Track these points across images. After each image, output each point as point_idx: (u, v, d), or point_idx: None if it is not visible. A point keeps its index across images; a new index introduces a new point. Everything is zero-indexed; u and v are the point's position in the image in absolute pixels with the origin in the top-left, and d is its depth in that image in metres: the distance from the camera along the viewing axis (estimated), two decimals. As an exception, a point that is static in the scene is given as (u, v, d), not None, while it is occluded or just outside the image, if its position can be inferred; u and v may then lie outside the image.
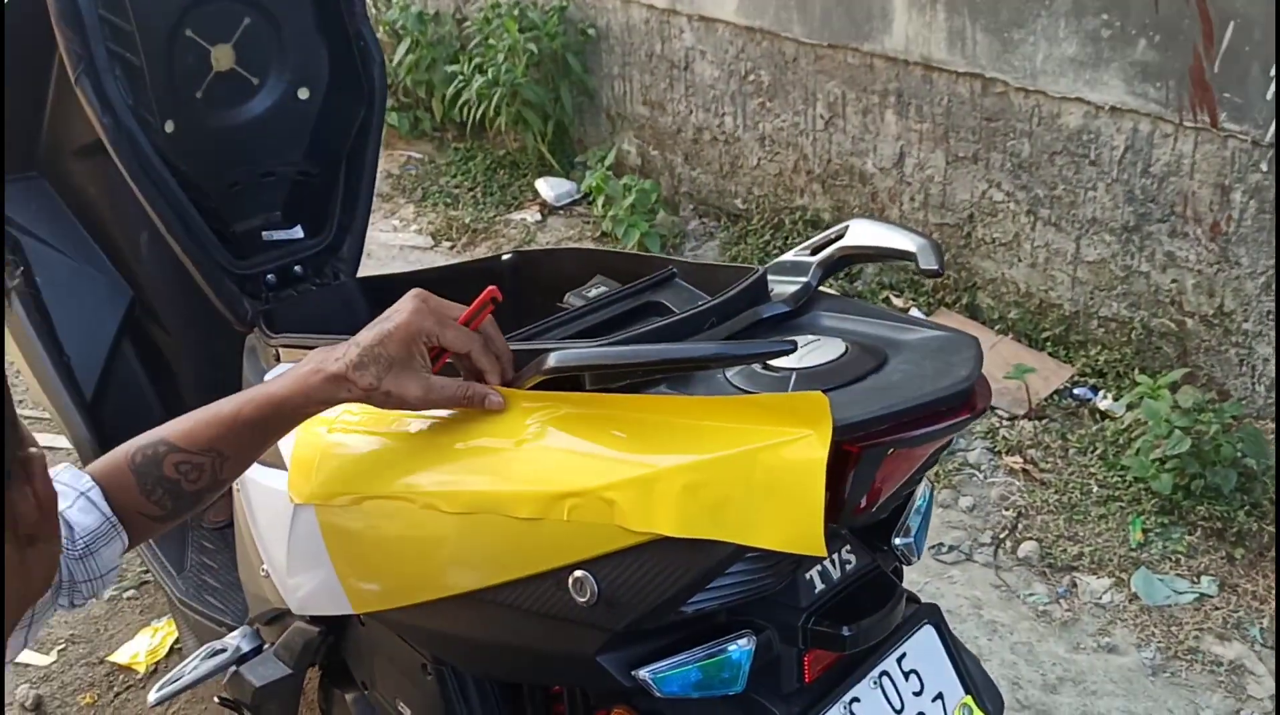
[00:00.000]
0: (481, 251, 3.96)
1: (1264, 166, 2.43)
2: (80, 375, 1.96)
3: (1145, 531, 2.42)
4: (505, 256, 1.66)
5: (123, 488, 0.98)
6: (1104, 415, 2.75)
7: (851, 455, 0.93)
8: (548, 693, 1.27)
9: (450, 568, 1.11)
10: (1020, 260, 3.02)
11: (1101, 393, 2.80)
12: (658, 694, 1.03)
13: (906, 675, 1.18)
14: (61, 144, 1.90)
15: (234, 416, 0.98)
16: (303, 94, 1.72)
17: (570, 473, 0.98)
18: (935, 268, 1.11)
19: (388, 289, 1.66)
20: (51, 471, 0.94)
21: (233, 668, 1.48)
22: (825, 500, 0.87)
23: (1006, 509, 2.55)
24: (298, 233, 1.76)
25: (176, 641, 2.23)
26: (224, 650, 1.51)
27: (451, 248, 4.03)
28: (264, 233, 1.75)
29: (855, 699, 1.14)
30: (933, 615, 1.23)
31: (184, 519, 1.04)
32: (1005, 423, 2.78)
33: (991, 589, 2.34)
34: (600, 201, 3.80)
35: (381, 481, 1.12)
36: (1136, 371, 2.72)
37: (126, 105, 1.48)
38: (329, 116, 1.74)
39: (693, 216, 3.90)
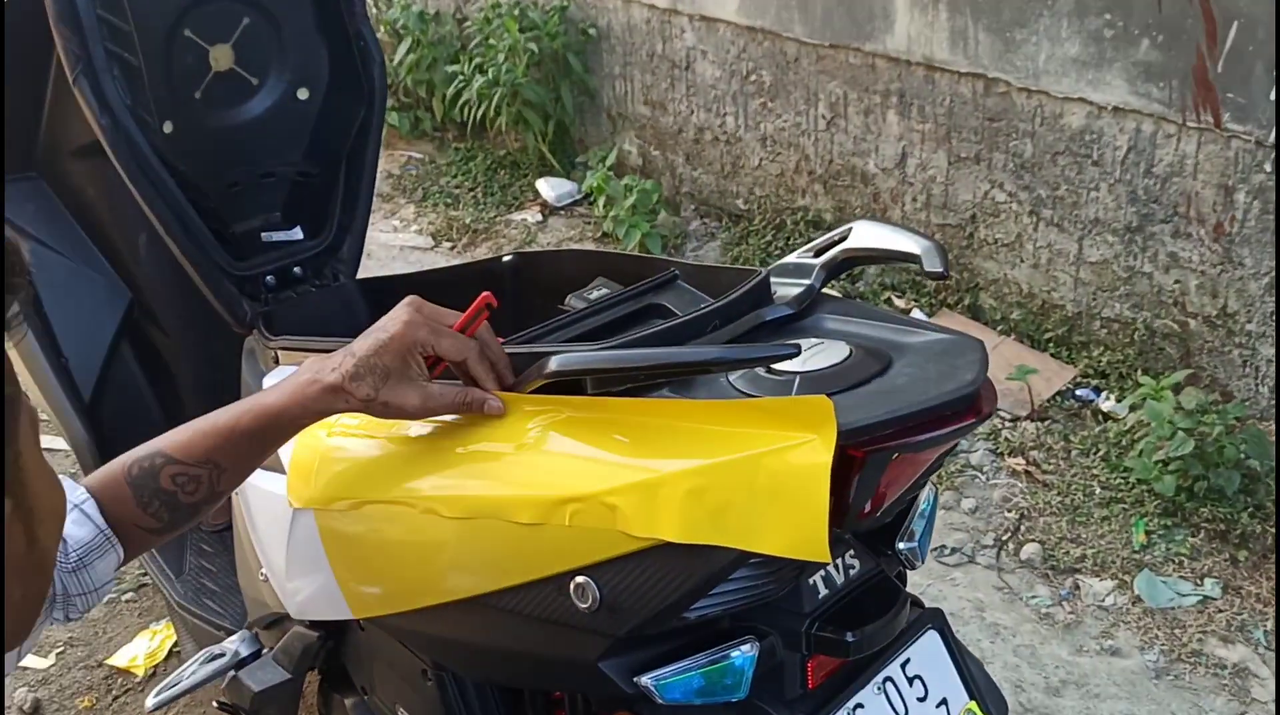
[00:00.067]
0: (482, 252, 3.95)
1: (1267, 167, 2.42)
2: (78, 377, 1.95)
3: (1148, 533, 2.41)
4: (506, 258, 1.65)
5: (119, 500, 0.97)
6: (1107, 416, 2.74)
7: (856, 460, 0.92)
8: (549, 699, 1.27)
9: (450, 573, 1.10)
10: (1023, 261, 3.01)
11: (1104, 394, 2.79)
12: (660, 700, 1.02)
13: (911, 681, 1.18)
14: (59, 144, 1.89)
15: (230, 428, 0.98)
16: (302, 94, 1.71)
17: (572, 477, 0.97)
18: (940, 271, 1.10)
19: (388, 290, 1.66)
20: None
21: (231, 672, 1.47)
22: (829, 505, 0.86)
23: (1009, 511, 2.54)
24: (297, 234, 1.75)
25: (175, 645, 2.23)
26: (223, 654, 1.50)
27: (452, 248, 4.02)
28: (263, 234, 1.74)
29: (859, 705, 1.13)
30: (937, 620, 1.22)
31: (182, 531, 1.03)
32: (1008, 424, 2.77)
33: (994, 591, 2.33)
34: (601, 202, 3.79)
35: (381, 486, 1.11)
36: (1139, 373, 2.72)
37: (125, 105, 1.47)
38: (329, 117, 1.73)
39: (694, 217, 3.89)
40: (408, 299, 1.02)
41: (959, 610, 2.27)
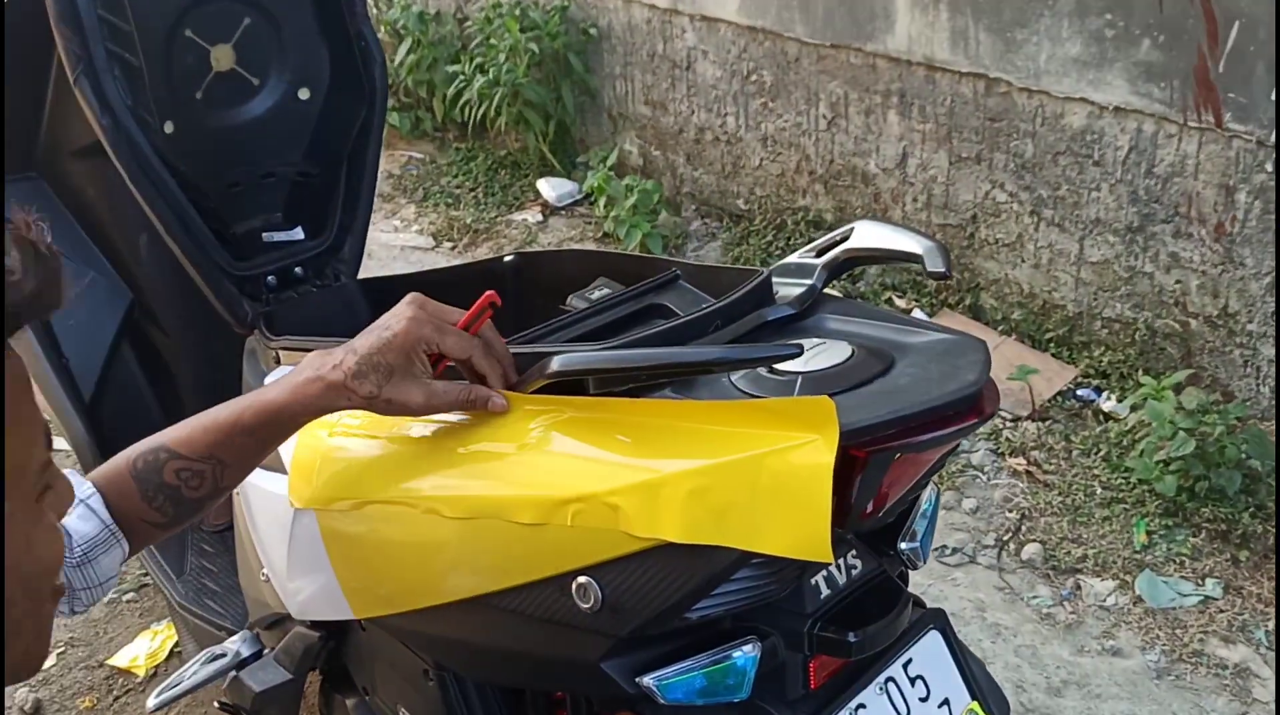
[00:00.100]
0: (483, 252, 3.95)
1: (1269, 167, 2.42)
2: (79, 377, 1.95)
3: (1149, 533, 2.41)
4: (507, 258, 1.65)
5: (124, 494, 0.97)
6: (1108, 417, 2.74)
7: (858, 460, 0.92)
8: (550, 699, 1.26)
9: (452, 573, 1.09)
10: (1023, 261, 3.01)
11: (1105, 394, 2.79)
12: (662, 701, 1.02)
13: (913, 681, 1.17)
14: (60, 145, 1.89)
15: (232, 423, 0.97)
16: (303, 94, 1.71)
17: (574, 477, 0.97)
18: (943, 271, 1.10)
19: (389, 291, 1.65)
20: None
21: (232, 673, 1.47)
22: (831, 505, 0.86)
23: (1010, 511, 2.54)
24: (298, 234, 1.75)
25: (176, 645, 2.23)
26: (224, 655, 1.50)
27: (453, 248, 4.02)
28: (264, 234, 1.74)
29: (861, 705, 1.13)
30: (939, 620, 1.22)
31: (186, 526, 1.03)
32: (1009, 424, 2.77)
33: (995, 591, 2.33)
34: (602, 202, 3.79)
35: (383, 486, 1.11)
36: (1140, 373, 2.71)
37: (125, 106, 1.47)
38: (330, 117, 1.73)
39: (695, 217, 3.89)
40: (410, 296, 1.02)
41: (960, 610, 2.27)
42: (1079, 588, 2.32)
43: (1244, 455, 2.38)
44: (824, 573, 1.11)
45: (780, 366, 1.02)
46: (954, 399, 0.93)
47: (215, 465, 0.98)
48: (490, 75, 4.02)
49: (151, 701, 1.44)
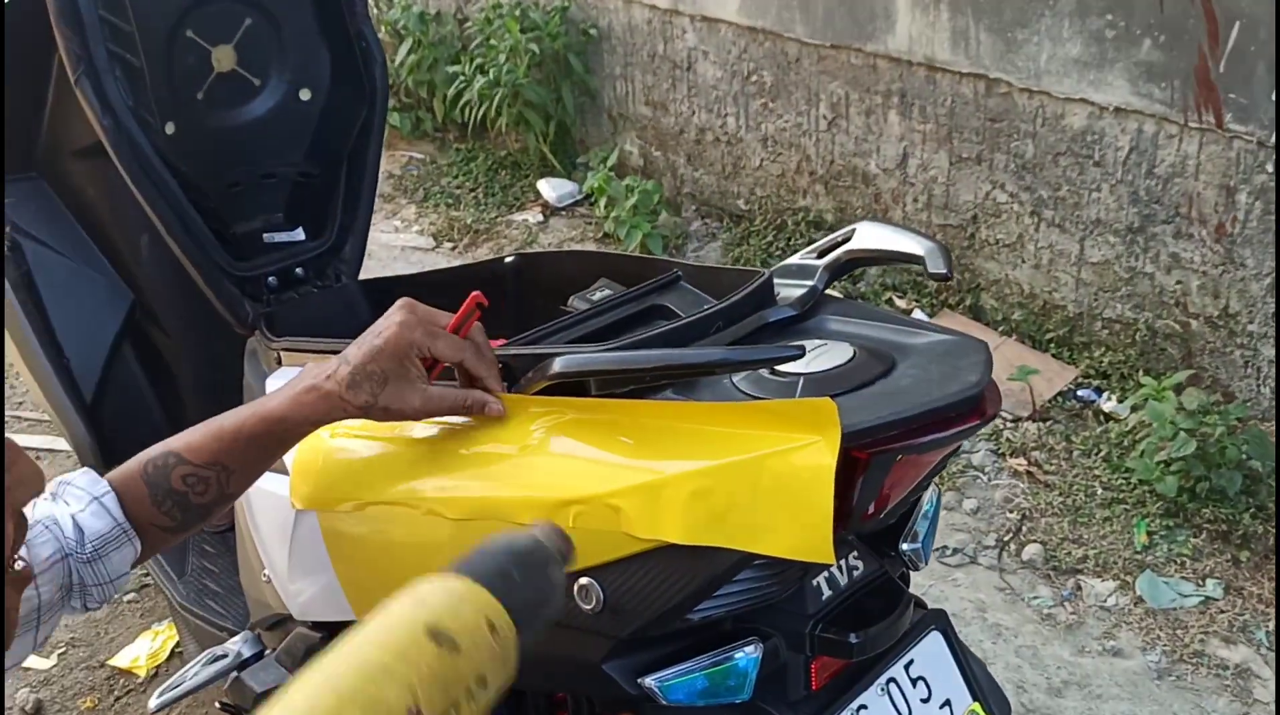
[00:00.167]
0: (483, 253, 3.95)
1: (1269, 167, 2.42)
2: (80, 377, 1.95)
3: (1150, 534, 2.41)
4: (508, 259, 1.64)
5: (137, 498, 0.98)
6: (1108, 417, 2.74)
7: (860, 461, 0.92)
8: (551, 700, 1.26)
9: (453, 574, 1.09)
10: (1024, 261, 3.01)
11: (1106, 394, 2.79)
12: (664, 702, 1.02)
13: (914, 682, 1.17)
14: (61, 145, 1.89)
15: (236, 431, 0.98)
16: (304, 95, 1.71)
17: (575, 479, 0.97)
18: (944, 272, 1.10)
19: (390, 291, 1.65)
20: (70, 476, 0.96)
21: (234, 673, 1.47)
22: (833, 507, 0.86)
23: (1010, 511, 2.54)
24: (299, 234, 1.75)
25: (177, 646, 2.23)
26: (225, 655, 1.50)
27: (453, 249, 4.02)
28: (265, 234, 1.74)
29: (863, 706, 1.13)
30: (940, 621, 1.22)
31: (196, 531, 1.03)
32: (1009, 424, 2.77)
33: (996, 592, 2.33)
34: (602, 202, 3.79)
35: (384, 487, 1.11)
36: (1141, 373, 2.71)
37: (127, 106, 1.47)
38: (330, 117, 1.73)
39: (695, 217, 3.89)
40: (400, 301, 1.01)
41: (960, 611, 2.27)
42: (1080, 588, 2.32)
43: (1245, 456, 2.38)
44: (825, 574, 1.11)
45: (782, 368, 1.02)
46: (956, 400, 0.93)
47: (220, 472, 0.99)
48: (490, 76, 4.02)
49: (153, 702, 1.45)
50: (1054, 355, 2.94)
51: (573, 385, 1.03)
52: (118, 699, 2.15)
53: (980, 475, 2.65)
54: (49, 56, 1.73)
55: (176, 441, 0.99)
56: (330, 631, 1.38)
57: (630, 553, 0.95)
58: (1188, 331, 2.71)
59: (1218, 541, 2.38)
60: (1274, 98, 2.35)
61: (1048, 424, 2.75)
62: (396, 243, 4.07)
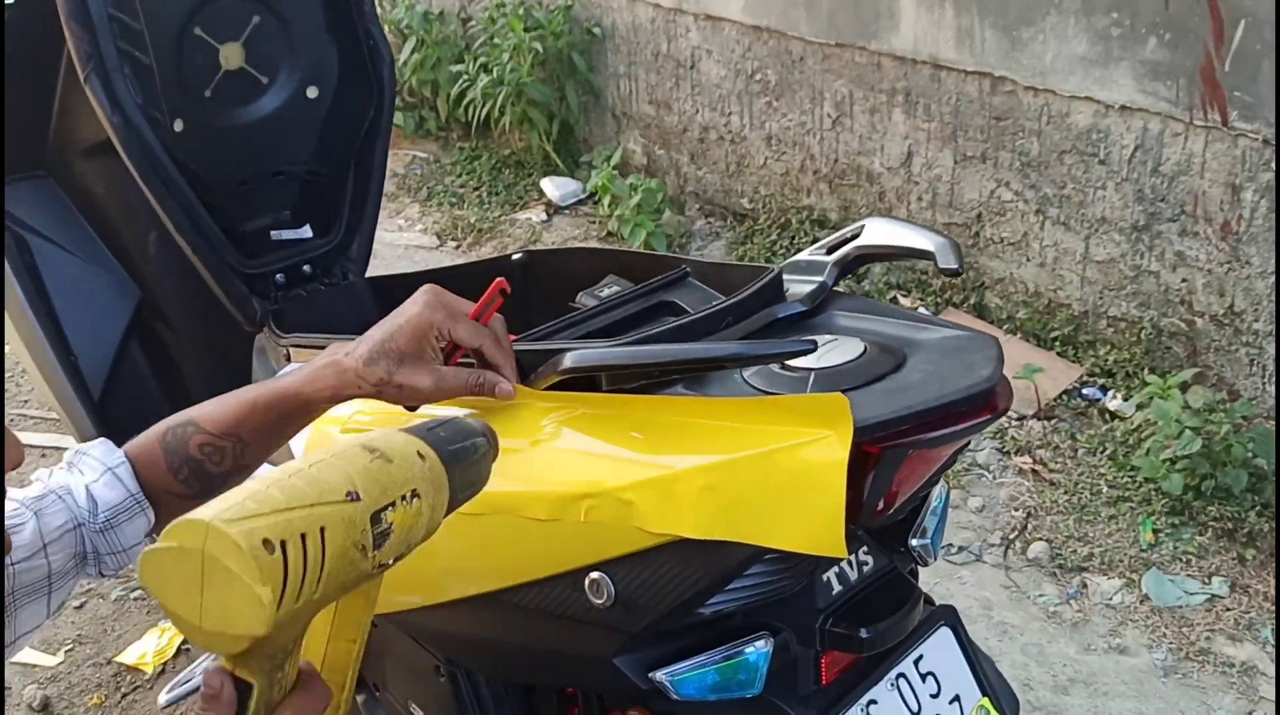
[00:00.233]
0: (487, 251, 3.95)
1: (1275, 165, 2.42)
2: (88, 374, 1.95)
3: (1156, 532, 2.41)
4: (516, 256, 1.65)
5: (154, 464, 1.00)
6: (1113, 415, 2.74)
7: (872, 456, 0.92)
8: (562, 694, 1.27)
9: (464, 569, 1.10)
10: (1029, 260, 3.01)
11: (1111, 393, 2.79)
12: (675, 696, 1.02)
13: (924, 677, 1.18)
14: (69, 143, 1.90)
15: (252, 402, 1.00)
16: (312, 93, 1.71)
17: (587, 474, 0.98)
18: (955, 267, 1.10)
19: (396, 288, 1.66)
20: (87, 445, 0.98)
21: (242, 669, 1.47)
22: (845, 501, 0.87)
23: (1016, 509, 2.54)
24: (306, 232, 1.75)
25: (184, 642, 2.23)
26: (234, 652, 1.50)
27: (457, 247, 4.02)
28: (273, 232, 1.75)
29: (873, 701, 1.13)
30: (949, 617, 1.22)
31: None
32: (1014, 423, 2.77)
33: (1001, 590, 2.33)
34: (606, 201, 3.79)
35: (395, 482, 1.11)
36: (1146, 371, 2.71)
37: (136, 104, 1.47)
38: (338, 116, 1.73)
39: (699, 216, 3.90)
40: (425, 287, 1.03)
41: (966, 609, 2.27)
42: (1085, 586, 2.32)
43: (1250, 454, 2.38)
44: (836, 569, 1.11)
45: (793, 363, 1.03)
46: (968, 395, 0.93)
47: (236, 442, 1.00)
48: (494, 74, 4.02)
49: (163, 698, 1.45)
50: (1059, 353, 2.94)
51: (583, 380, 1.03)
52: (125, 695, 2.16)
53: (985, 473, 2.65)
54: (57, 55, 1.73)
55: (196, 411, 1.01)
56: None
57: (642, 547, 0.95)
58: (1193, 330, 2.71)
59: (1223, 539, 2.38)
60: (1276, 96, 2.35)
61: (1053, 422, 2.75)
62: (400, 241, 4.08)
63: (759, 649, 1.03)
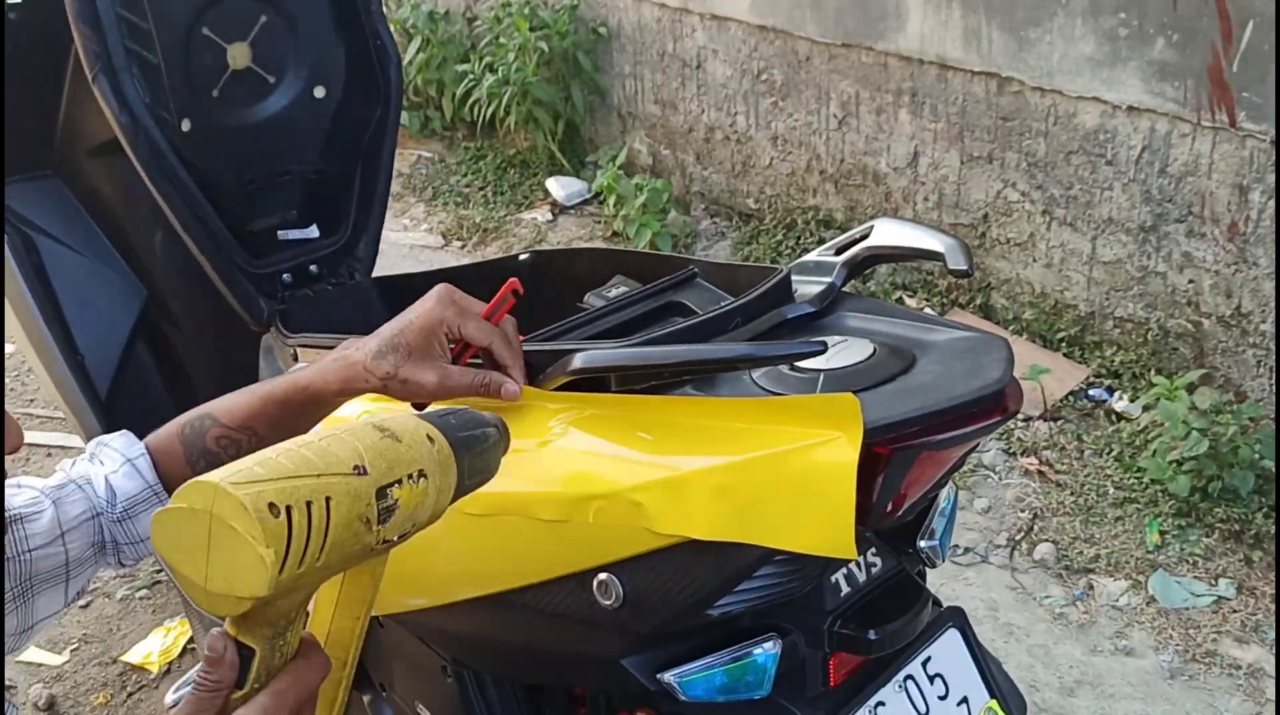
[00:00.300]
0: (492, 251, 3.95)
1: (1275, 166, 2.42)
2: (94, 374, 1.95)
3: (1162, 533, 2.40)
4: (522, 256, 1.65)
5: (172, 457, 1.01)
6: (1120, 416, 2.74)
7: (882, 457, 0.92)
8: (569, 695, 1.26)
9: (472, 569, 1.10)
10: (1035, 260, 3.00)
11: (1117, 394, 2.79)
12: (682, 697, 1.02)
13: (932, 679, 1.17)
14: (76, 142, 1.90)
15: (267, 396, 1.01)
16: (319, 93, 1.71)
17: (596, 475, 0.97)
18: (964, 268, 1.10)
19: (403, 288, 1.66)
20: (108, 437, 1.00)
21: (249, 669, 1.47)
22: (855, 502, 0.86)
23: (1022, 511, 2.53)
24: (313, 232, 1.75)
25: (190, 641, 2.23)
26: (240, 651, 1.50)
27: (462, 247, 4.02)
28: (280, 232, 1.75)
29: (880, 703, 1.13)
30: (957, 619, 1.22)
31: None
32: (1020, 424, 2.76)
33: (1007, 591, 2.33)
34: (611, 201, 3.79)
35: (403, 482, 1.10)
36: (1153, 372, 2.71)
37: (143, 103, 1.47)
38: (345, 115, 1.73)
39: (704, 216, 3.89)
40: (440, 286, 1.04)
41: (972, 610, 2.26)
42: (1092, 587, 2.32)
43: (1257, 455, 2.38)
44: (844, 570, 1.11)
45: (802, 364, 1.02)
46: (979, 396, 0.93)
47: (250, 435, 1.01)
48: (499, 74, 4.02)
49: (170, 697, 1.45)
50: (1065, 354, 2.93)
51: (592, 381, 1.03)
52: (130, 695, 2.16)
53: (992, 475, 2.65)
54: (64, 55, 1.73)
55: (214, 404, 1.03)
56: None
57: (651, 548, 0.95)
58: (1200, 331, 2.70)
59: (1230, 541, 2.38)
60: (1276, 97, 2.35)
61: (1059, 423, 2.75)
62: (405, 241, 4.08)
63: (767, 650, 1.03)
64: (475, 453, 0.76)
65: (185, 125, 1.59)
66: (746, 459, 0.90)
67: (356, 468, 0.64)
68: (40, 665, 2.23)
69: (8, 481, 0.91)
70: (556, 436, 1.02)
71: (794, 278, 1.21)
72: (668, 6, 3.72)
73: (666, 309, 1.28)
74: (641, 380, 1.01)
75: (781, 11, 3.35)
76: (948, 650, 1.20)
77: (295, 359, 1.47)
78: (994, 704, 1.21)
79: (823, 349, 0.93)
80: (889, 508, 0.98)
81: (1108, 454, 2.64)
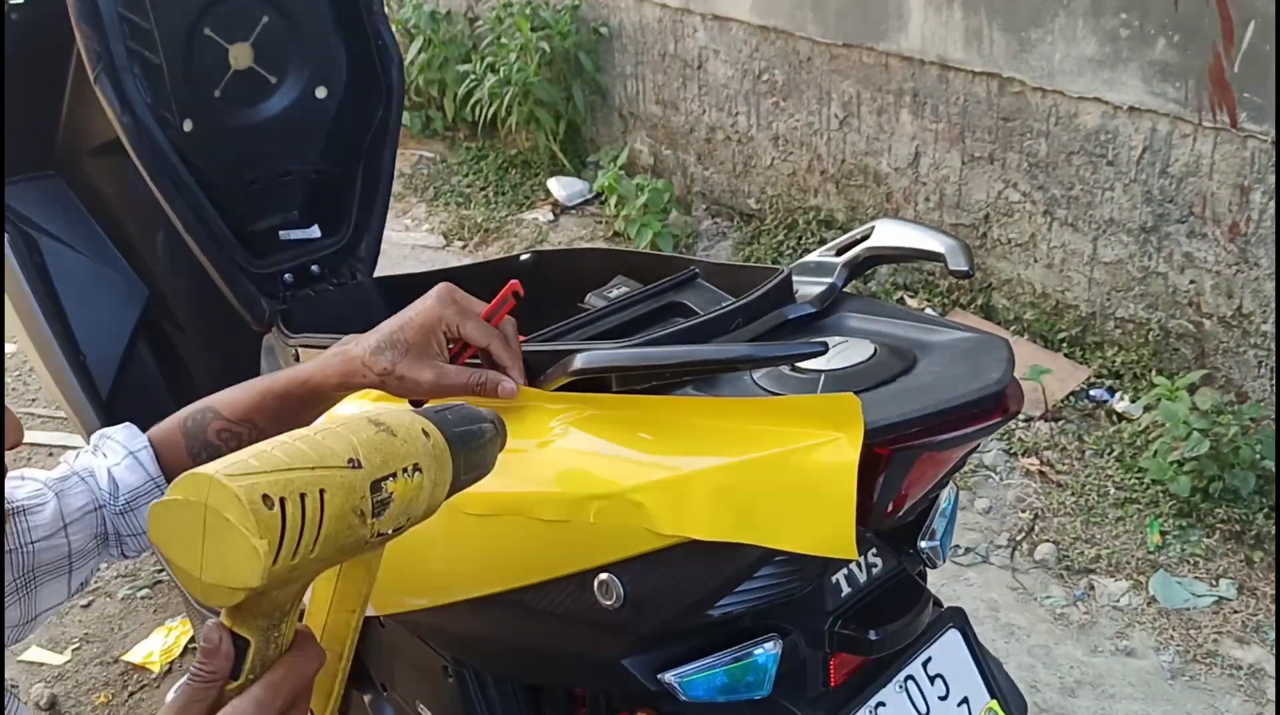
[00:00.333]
0: (493, 251, 3.95)
1: (1275, 166, 2.42)
2: (96, 374, 1.96)
3: (1163, 534, 2.40)
4: (524, 256, 1.65)
5: (174, 449, 1.02)
6: (1121, 417, 2.74)
7: (882, 458, 0.92)
8: (569, 695, 1.27)
9: (473, 569, 1.10)
10: (1036, 261, 3.00)
11: (1118, 394, 2.79)
12: (683, 698, 1.02)
13: (932, 680, 1.17)
14: (78, 143, 1.90)
15: (266, 389, 1.02)
16: (320, 93, 1.71)
17: (597, 475, 0.98)
18: (965, 269, 1.10)
19: (405, 289, 1.66)
20: (111, 430, 1.01)
21: (250, 668, 1.47)
22: (855, 502, 0.86)
23: (1023, 511, 2.53)
24: (315, 232, 1.75)
25: (191, 641, 2.23)
26: (241, 651, 1.50)
27: (464, 247, 4.03)
28: (281, 232, 1.75)
29: (881, 703, 1.13)
30: (958, 619, 1.22)
31: None
32: (1021, 424, 2.76)
33: (1008, 591, 2.33)
34: (613, 201, 3.79)
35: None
36: (1154, 373, 2.71)
37: (145, 104, 1.47)
38: (346, 116, 1.73)
39: (705, 216, 3.89)
40: (441, 285, 1.04)
41: (973, 610, 2.26)
42: (1092, 588, 2.32)
43: (1258, 456, 2.38)
44: (845, 571, 1.11)
45: (803, 365, 1.02)
46: (979, 397, 0.93)
47: (251, 429, 1.02)
48: (501, 74, 4.02)
49: (170, 696, 1.45)
50: (1066, 355, 2.93)
51: (593, 381, 1.03)
52: (132, 694, 2.16)
53: (992, 475, 2.65)
54: (66, 55, 1.74)
55: (215, 398, 1.04)
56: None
57: (651, 549, 0.95)
58: (1201, 331, 2.70)
59: (1231, 541, 2.38)
60: (1276, 98, 2.35)
61: (1060, 424, 2.75)
62: (407, 241, 4.08)
63: (768, 651, 1.03)
64: (471, 448, 0.77)
65: (187, 125, 1.60)
66: (747, 459, 0.90)
67: (351, 461, 0.65)
68: (42, 665, 2.24)
69: (11, 474, 0.92)
70: (557, 437, 1.02)
71: (795, 278, 1.21)
72: (669, 7, 3.72)
73: (667, 309, 1.28)
74: (642, 381, 1.01)
75: (783, 12, 3.35)
76: (948, 651, 1.20)
77: (297, 359, 1.47)
78: (994, 704, 1.21)
79: (823, 350, 0.93)
80: (890, 508, 0.98)
81: (1109, 454, 2.64)
